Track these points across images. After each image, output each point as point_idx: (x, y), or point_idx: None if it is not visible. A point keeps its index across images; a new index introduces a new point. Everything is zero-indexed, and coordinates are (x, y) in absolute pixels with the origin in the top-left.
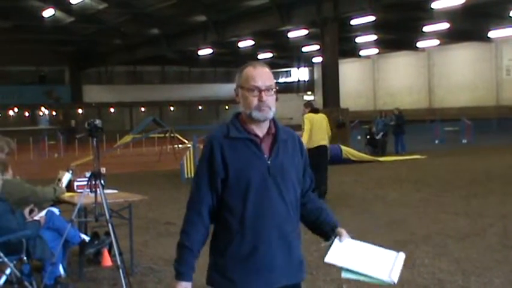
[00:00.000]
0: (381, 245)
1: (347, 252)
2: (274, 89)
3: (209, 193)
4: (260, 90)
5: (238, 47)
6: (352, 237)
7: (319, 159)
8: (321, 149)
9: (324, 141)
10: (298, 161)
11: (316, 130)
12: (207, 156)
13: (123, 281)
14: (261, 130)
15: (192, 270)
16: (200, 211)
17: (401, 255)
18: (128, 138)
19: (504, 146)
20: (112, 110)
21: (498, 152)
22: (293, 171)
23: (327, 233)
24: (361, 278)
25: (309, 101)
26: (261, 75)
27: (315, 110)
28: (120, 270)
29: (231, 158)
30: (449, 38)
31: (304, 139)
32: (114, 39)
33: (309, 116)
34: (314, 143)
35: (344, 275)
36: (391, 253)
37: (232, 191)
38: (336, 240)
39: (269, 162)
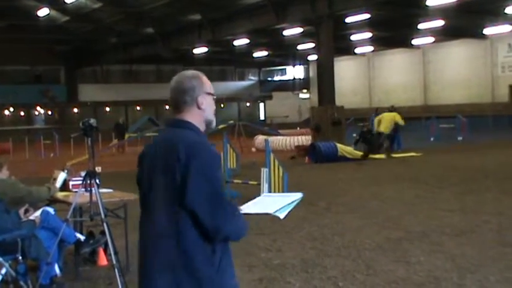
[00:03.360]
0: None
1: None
2: None
3: None
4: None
5: (234, 46)
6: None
7: None
8: None
9: None
10: None
11: None
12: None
13: (118, 280)
14: None
15: None
16: None
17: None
18: (119, 138)
19: (499, 143)
20: (107, 109)
21: (493, 149)
22: None
23: None
24: (288, 208)
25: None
26: None
27: None
28: (116, 269)
29: None
30: (444, 35)
31: None
32: (110, 38)
33: None
34: None
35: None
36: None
37: None
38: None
39: None
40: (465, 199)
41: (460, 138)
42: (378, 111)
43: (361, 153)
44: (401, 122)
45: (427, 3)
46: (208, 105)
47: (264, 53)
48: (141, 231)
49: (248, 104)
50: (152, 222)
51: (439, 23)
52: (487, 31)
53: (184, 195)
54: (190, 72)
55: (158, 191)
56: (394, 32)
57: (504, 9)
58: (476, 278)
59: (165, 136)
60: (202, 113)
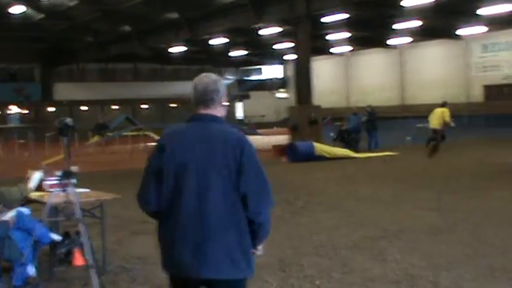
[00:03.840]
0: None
1: None
2: None
3: None
4: None
5: (211, 45)
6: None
7: None
8: None
9: None
10: None
11: None
12: None
13: (95, 280)
14: None
15: None
16: None
17: None
18: (99, 136)
19: (474, 142)
20: (84, 108)
21: (469, 148)
22: None
23: None
24: None
25: None
26: None
27: None
28: (92, 270)
29: None
30: (420, 35)
31: None
32: (86, 36)
33: None
34: None
35: None
36: None
37: None
38: None
39: None
40: (441, 198)
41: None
42: (355, 111)
43: (338, 149)
44: (448, 119)
45: (403, 3)
46: (225, 104)
47: (242, 53)
48: (183, 205)
49: (226, 103)
50: (204, 201)
51: (416, 23)
52: (461, 32)
53: (240, 180)
54: (213, 75)
55: (211, 175)
56: (371, 32)
57: (477, 10)
58: (451, 275)
59: (205, 128)
60: (223, 110)
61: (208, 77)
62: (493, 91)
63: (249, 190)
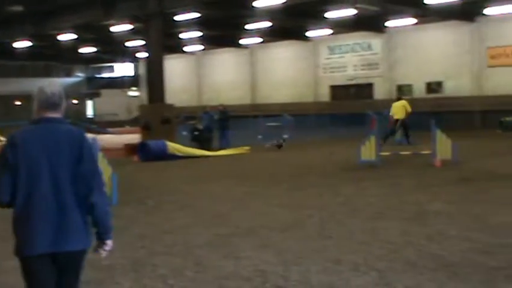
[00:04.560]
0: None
1: None
2: None
3: None
4: None
5: (59, 40)
6: None
7: None
8: None
9: None
10: None
11: None
12: None
13: None
14: None
15: None
16: None
17: None
18: None
19: (321, 141)
20: None
21: (316, 146)
22: None
23: None
24: None
25: None
26: None
27: None
28: None
29: None
30: (271, 36)
31: None
32: None
33: None
34: None
35: None
36: None
37: None
38: None
39: None
40: (291, 195)
41: (285, 136)
42: (206, 109)
43: (191, 149)
44: (409, 109)
45: (254, 4)
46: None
47: (92, 49)
48: (40, 191)
49: (75, 102)
50: (57, 186)
51: (266, 24)
52: (310, 34)
53: (81, 166)
54: (57, 86)
55: (61, 165)
56: (223, 31)
57: (324, 13)
58: (300, 269)
59: (54, 128)
60: (62, 114)
61: (53, 86)
62: (338, 91)
63: (85, 174)
